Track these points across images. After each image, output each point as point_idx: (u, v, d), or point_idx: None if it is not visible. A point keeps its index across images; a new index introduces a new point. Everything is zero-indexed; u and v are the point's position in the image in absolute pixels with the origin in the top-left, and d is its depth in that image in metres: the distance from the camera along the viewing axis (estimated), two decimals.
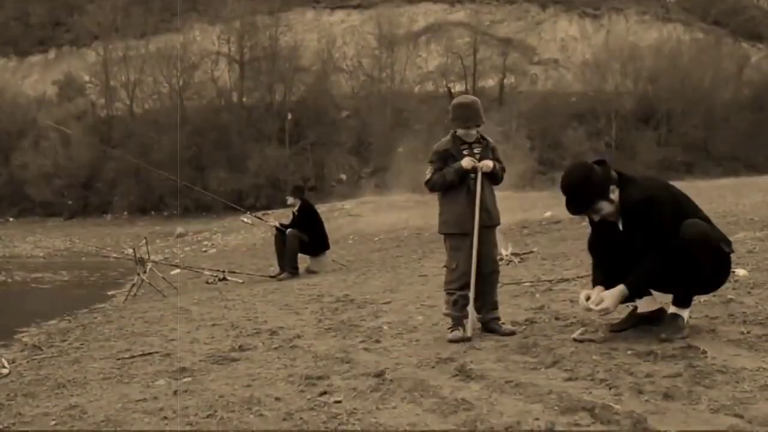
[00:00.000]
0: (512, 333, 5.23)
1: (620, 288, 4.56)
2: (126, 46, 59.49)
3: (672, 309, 4.61)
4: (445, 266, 5.55)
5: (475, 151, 5.50)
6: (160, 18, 64.24)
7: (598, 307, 4.61)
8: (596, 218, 4.74)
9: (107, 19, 61.07)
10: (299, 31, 61.02)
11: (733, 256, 7.27)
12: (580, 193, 4.65)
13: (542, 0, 68.91)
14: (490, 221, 5.52)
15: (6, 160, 56.70)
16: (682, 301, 4.60)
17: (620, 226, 4.71)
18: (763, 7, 76.19)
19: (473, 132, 5.52)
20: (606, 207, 4.64)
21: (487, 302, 5.47)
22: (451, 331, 5.32)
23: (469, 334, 5.21)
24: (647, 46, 61.42)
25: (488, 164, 5.46)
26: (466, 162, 5.39)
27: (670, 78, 57.65)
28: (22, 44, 69.16)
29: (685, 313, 4.59)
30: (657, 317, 4.77)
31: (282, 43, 58.85)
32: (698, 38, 64.58)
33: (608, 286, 4.66)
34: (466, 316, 5.34)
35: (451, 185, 5.44)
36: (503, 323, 5.43)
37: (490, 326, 5.42)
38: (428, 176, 5.47)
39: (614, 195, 4.63)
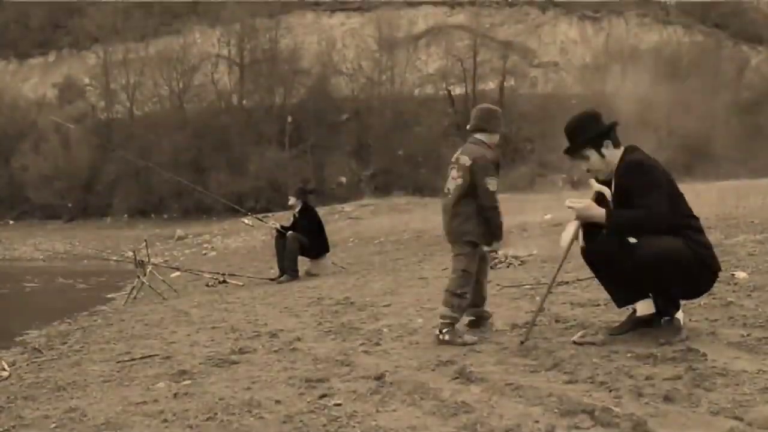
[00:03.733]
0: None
1: (602, 213, 4.55)
2: (126, 49, 59.58)
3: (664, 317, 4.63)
4: (464, 270, 5.46)
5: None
6: (160, 21, 64.35)
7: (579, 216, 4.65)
8: (585, 168, 4.75)
9: (107, 21, 61.14)
10: (299, 33, 61.08)
11: (732, 259, 7.30)
12: (575, 134, 4.72)
13: (542, 3, 68.99)
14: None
15: (6, 163, 56.73)
16: (667, 307, 4.61)
17: (612, 189, 4.69)
18: (763, 10, 76.27)
19: (497, 139, 5.72)
20: (594, 158, 4.66)
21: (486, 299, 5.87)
22: (452, 332, 5.29)
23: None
24: (647, 48, 61.44)
25: None
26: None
27: (670, 80, 57.68)
28: (22, 47, 69.26)
29: (679, 314, 4.59)
30: (655, 320, 4.77)
31: (282, 46, 58.92)
32: (698, 41, 64.64)
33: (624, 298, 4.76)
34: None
35: None
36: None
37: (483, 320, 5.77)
38: (494, 189, 5.45)
39: (607, 151, 4.64)
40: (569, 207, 4.71)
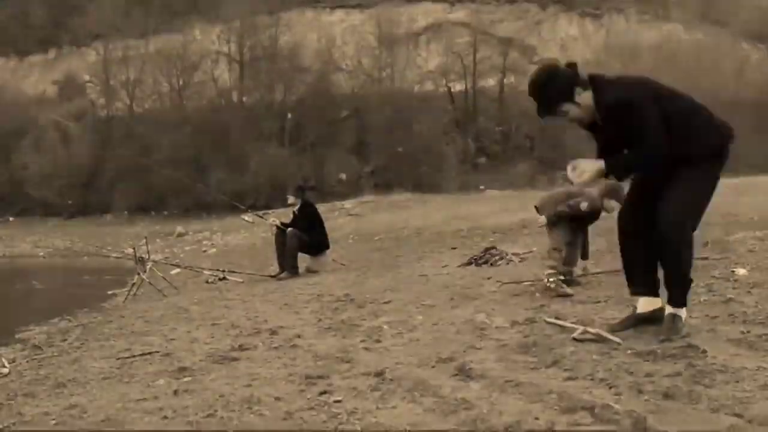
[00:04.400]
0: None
1: (600, 162, 4.55)
2: (126, 46, 59.52)
3: (669, 309, 4.60)
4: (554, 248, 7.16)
5: None
6: (160, 18, 64.26)
7: (579, 180, 4.62)
8: (566, 122, 4.73)
9: (107, 18, 61.06)
10: (299, 30, 60.99)
11: (732, 255, 7.31)
12: (544, 95, 4.64)
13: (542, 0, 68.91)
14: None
15: (6, 160, 56.71)
16: (677, 301, 4.57)
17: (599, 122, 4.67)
18: (763, 7, 76.15)
19: None
20: (573, 110, 4.61)
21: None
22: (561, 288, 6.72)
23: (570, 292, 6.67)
24: (647, 45, 61.37)
25: None
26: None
27: (670, 77, 57.16)
28: (22, 44, 69.16)
29: (682, 313, 4.57)
30: (656, 317, 4.76)
31: (282, 43, 58.85)
32: (698, 38, 64.58)
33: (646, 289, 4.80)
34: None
35: None
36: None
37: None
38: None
39: (581, 97, 4.58)
40: (569, 180, 4.72)
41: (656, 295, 4.82)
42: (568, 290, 6.71)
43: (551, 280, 6.84)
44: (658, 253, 4.62)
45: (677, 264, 4.51)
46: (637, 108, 4.44)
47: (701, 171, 4.50)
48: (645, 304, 4.83)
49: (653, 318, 4.76)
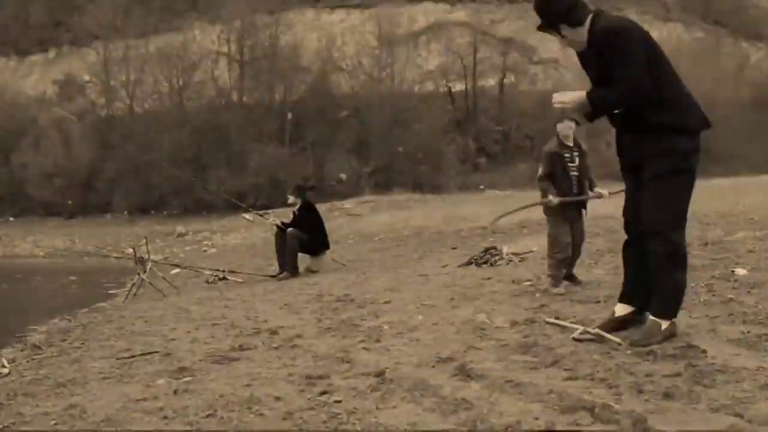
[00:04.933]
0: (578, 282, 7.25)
1: (582, 93, 4.56)
2: (126, 46, 59.50)
3: (651, 316, 4.55)
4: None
5: (575, 153, 7.26)
6: (160, 18, 64.24)
7: (556, 103, 4.63)
8: (562, 45, 4.74)
9: (107, 18, 61.03)
10: (299, 30, 60.97)
11: (732, 255, 7.31)
12: (546, 10, 4.64)
13: None
14: (581, 206, 7.41)
15: (6, 160, 56.70)
16: (658, 310, 4.50)
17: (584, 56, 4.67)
18: (763, 7, 76.20)
19: (567, 125, 7.16)
20: (568, 32, 4.61)
21: (574, 261, 7.47)
22: (555, 287, 7.01)
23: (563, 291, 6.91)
24: None
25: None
26: (554, 202, 7.13)
27: None
28: (22, 44, 69.19)
29: (664, 324, 4.46)
30: (632, 321, 4.74)
31: (282, 43, 58.82)
32: (698, 38, 64.63)
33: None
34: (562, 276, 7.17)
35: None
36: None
37: (569, 279, 7.29)
38: (539, 175, 7.32)
39: (579, 26, 4.58)
40: (555, 105, 4.69)
41: (630, 302, 4.81)
42: (561, 289, 6.98)
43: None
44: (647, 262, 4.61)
45: (660, 275, 4.48)
46: (624, 39, 4.41)
47: (675, 167, 4.43)
48: (620, 309, 4.85)
49: (628, 321, 4.75)
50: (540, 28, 4.75)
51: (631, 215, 4.77)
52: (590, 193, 7.39)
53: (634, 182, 4.69)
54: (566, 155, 7.21)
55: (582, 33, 4.58)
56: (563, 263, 7.19)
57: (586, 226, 7.69)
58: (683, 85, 4.61)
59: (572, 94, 4.61)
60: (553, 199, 7.09)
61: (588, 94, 4.53)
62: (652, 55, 4.49)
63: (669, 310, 4.49)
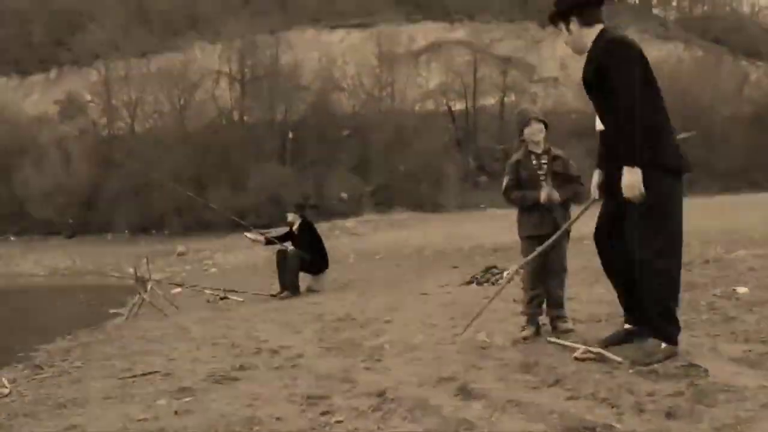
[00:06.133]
0: (569, 330, 5.70)
1: (635, 173, 4.37)
2: (127, 65, 59.71)
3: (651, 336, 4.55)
4: (520, 267, 6.20)
5: (543, 161, 6.02)
6: (161, 37, 64.51)
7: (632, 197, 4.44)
8: (566, 40, 4.81)
9: (108, 38, 61.30)
10: (300, 50, 61.15)
11: (733, 273, 7.30)
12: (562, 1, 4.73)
13: (542, 18, 69.13)
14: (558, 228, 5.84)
15: (7, 179, 56.74)
16: (655, 332, 4.49)
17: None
18: (762, 25, 76.56)
19: (536, 127, 6.00)
20: (575, 29, 4.68)
21: (552, 299, 5.98)
22: (523, 330, 5.91)
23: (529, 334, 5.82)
24: None
25: (557, 197, 5.93)
26: (543, 197, 5.90)
27: (670, 95, 57.18)
28: (24, 63, 69.42)
29: (661, 345, 4.44)
30: (639, 332, 4.73)
31: (282, 62, 58.99)
32: (698, 56, 64.86)
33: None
34: (540, 314, 6.00)
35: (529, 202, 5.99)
36: (566, 320, 5.86)
37: (552, 323, 5.95)
38: (503, 186, 6.11)
39: (587, 29, 4.65)
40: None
41: (632, 316, 4.82)
42: (528, 332, 5.95)
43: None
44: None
45: (650, 301, 4.48)
46: (625, 52, 4.46)
47: (657, 191, 4.39)
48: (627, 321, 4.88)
49: (634, 333, 4.75)
50: (551, 17, 4.80)
51: (606, 236, 4.77)
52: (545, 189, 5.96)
53: (614, 205, 4.68)
54: (533, 162, 6.03)
55: (588, 35, 4.64)
56: (536, 301, 6.02)
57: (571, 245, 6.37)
58: (668, 120, 4.61)
59: (632, 179, 4.37)
60: (543, 194, 5.92)
61: (626, 162, 4.39)
62: (646, 77, 4.50)
63: (664, 333, 4.47)
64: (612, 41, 4.53)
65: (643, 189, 4.35)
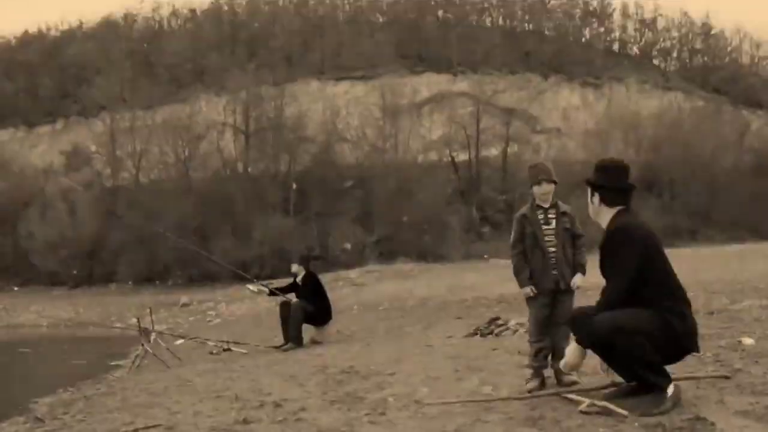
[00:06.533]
0: (574, 383, 5.66)
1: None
2: (133, 117, 60.32)
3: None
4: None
5: (550, 215, 6.09)
6: (166, 89, 65.28)
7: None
8: (590, 210, 4.90)
9: (114, 90, 62.03)
10: (304, 101, 61.80)
11: (739, 324, 7.27)
12: (604, 168, 4.90)
13: (544, 70, 69.97)
14: (564, 286, 6.07)
15: (12, 230, 56.93)
16: (649, 385, 4.51)
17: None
18: (762, 75, 77.22)
19: (547, 189, 6.07)
20: (594, 201, 4.85)
21: (557, 351, 5.86)
22: (528, 382, 5.93)
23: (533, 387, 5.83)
24: (648, 114, 62.13)
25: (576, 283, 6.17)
26: (525, 292, 6.24)
27: (671, 146, 58.14)
28: (31, 115, 70.25)
29: (669, 389, 4.46)
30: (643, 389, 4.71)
31: (287, 114, 59.54)
32: (699, 106, 65.45)
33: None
34: (545, 366, 6.02)
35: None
36: (571, 373, 5.62)
37: (557, 376, 5.92)
38: (511, 240, 6.21)
39: (606, 208, 4.79)
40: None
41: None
42: (532, 385, 5.99)
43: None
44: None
45: (624, 361, 4.57)
46: (623, 246, 4.58)
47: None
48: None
49: (635, 390, 4.73)
50: (587, 181, 4.95)
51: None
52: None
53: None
54: (539, 217, 6.09)
55: (605, 214, 4.81)
56: (542, 353, 6.06)
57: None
58: (678, 293, 4.65)
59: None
60: (527, 289, 6.18)
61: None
62: (648, 257, 4.59)
63: (657, 380, 4.49)
64: (616, 229, 4.68)
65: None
